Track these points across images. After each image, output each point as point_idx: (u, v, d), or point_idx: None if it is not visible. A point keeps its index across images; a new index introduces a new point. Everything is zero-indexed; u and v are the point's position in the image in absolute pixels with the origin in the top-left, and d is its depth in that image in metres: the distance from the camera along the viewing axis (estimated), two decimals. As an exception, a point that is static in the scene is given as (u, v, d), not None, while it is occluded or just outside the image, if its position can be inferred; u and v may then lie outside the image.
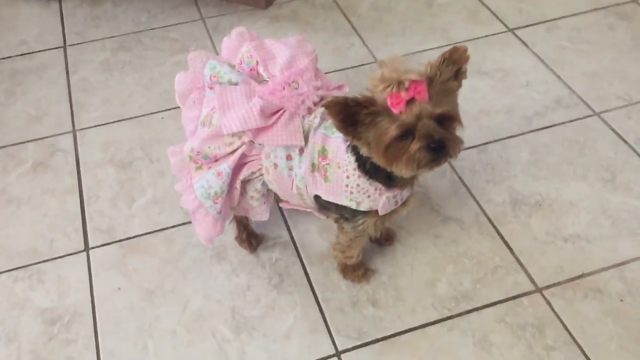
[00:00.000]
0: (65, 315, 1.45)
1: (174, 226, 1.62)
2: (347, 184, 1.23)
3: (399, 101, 1.05)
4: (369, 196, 1.24)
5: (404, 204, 1.31)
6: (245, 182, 1.31)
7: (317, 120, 1.24)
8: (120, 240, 1.60)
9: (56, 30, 2.29)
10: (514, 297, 1.44)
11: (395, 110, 1.06)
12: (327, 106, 1.08)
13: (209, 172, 1.27)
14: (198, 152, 1.27)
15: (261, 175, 1.30)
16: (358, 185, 1.23)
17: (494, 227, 1.59)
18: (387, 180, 1.21)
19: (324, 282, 1.49)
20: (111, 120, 1.94)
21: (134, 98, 2.01)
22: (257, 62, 1.30)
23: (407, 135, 1.08)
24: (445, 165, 1.74)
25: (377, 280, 1.48)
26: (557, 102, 1.91)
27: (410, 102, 1.05)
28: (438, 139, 1.07)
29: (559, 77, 1.99)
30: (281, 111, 1.22)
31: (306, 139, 1.25)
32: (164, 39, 2.24)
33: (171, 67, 2.11)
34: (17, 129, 1.92)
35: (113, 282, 1.51)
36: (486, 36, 2.17)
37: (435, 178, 1.71)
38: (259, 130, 1.22)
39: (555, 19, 2.21)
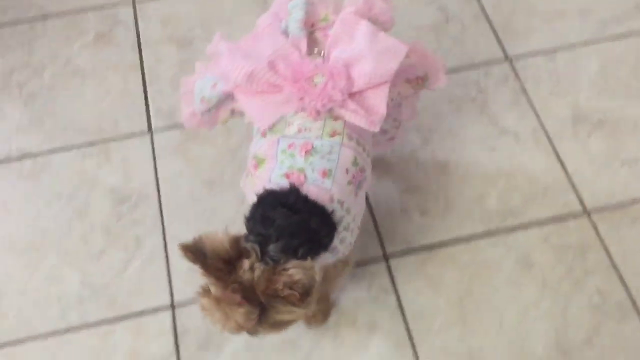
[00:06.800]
0: (132, 196, 1.54)
1: (233, 116, 1.65)
2: None
3: None
4: None
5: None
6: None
7: (294, 128, 1.13)
8: (182, 127, 1.64)
9: None
10: (561, 218, 1.48)
11: None
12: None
13: (209, 75, 1.24)
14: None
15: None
16: None
17: (551, 143, 1.58)
18: None
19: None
20: (171, -8, 1.90)
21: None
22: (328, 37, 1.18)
23: None
24: (508, 71, 1.70)
25: (427, 190, 1.52)
26: (637, 8, 1.79)
27: None
28: None
29: (645, -25, 1.85)
30: (278, 92, 1.13)
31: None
32: None
33: None
34: (76, -6, 1.91)
35: (175, 166, 1.58)
36: None
37: (498, 84, 1.68)
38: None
39: None
